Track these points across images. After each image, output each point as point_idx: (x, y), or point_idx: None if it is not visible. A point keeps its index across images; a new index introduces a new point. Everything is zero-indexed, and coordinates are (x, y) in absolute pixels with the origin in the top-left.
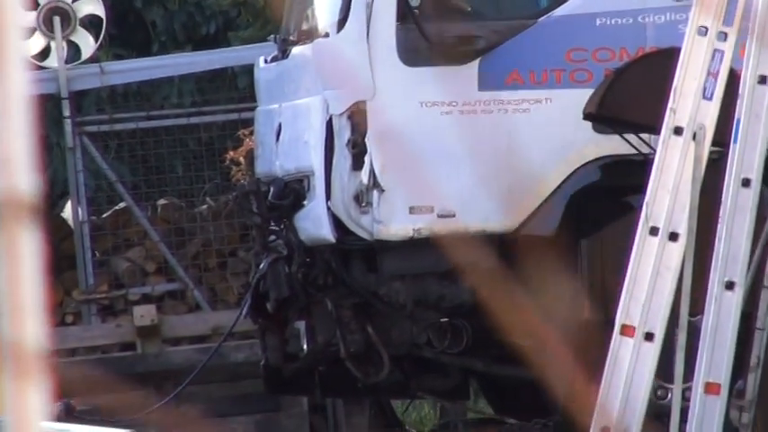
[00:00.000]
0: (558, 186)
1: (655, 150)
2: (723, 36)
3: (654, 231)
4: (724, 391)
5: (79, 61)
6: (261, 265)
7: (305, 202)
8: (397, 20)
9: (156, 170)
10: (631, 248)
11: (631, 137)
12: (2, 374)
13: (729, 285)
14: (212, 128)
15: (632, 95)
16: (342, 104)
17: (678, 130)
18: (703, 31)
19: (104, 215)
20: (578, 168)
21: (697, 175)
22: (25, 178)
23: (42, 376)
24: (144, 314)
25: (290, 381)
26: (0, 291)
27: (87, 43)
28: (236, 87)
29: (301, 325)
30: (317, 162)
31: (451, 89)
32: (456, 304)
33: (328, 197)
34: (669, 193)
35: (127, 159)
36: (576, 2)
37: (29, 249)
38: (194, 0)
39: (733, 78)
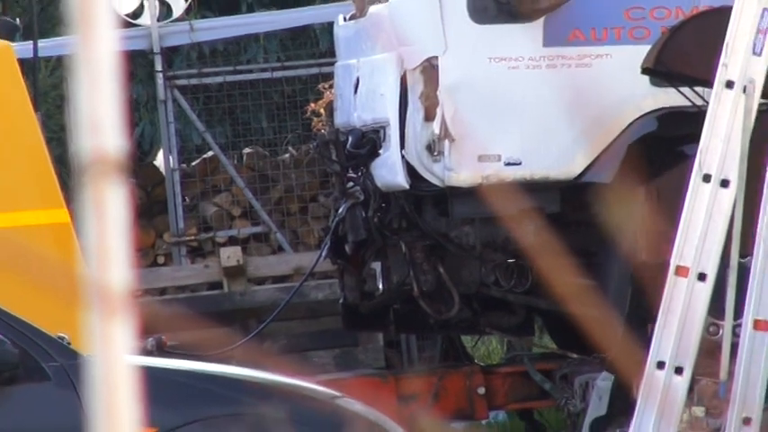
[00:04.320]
0: (618, 136)
1: (708, 103)
2: None
3: (707, 178)
4: None
5: (170, 19)
6: (339, 210)
7: (381, 151)
8: None
9: (242, 121)
10: (686, 194)
11: (686, 90)
12: (90, 315)
13: None
14: (295, 82)
15: (687, 51)
16: (415, 60)
17: (729, 84)
18: None
19: (193, 163)
20: (636, 119)
21: (747, 125)
22: (112, 139)
23: (127, 316)
24: (230, 255)
25: (367, 317)
26: (89, 242)
27: (178, 3)
28: (318, 44)
29: (377, 265)
30: (392, 113)
31: (518, 45)
32: (521, 246)
33: (402, 146)
34: (721, 143)
35: (215, 111)
36: None
37: (115, 204)
38: None
39: None
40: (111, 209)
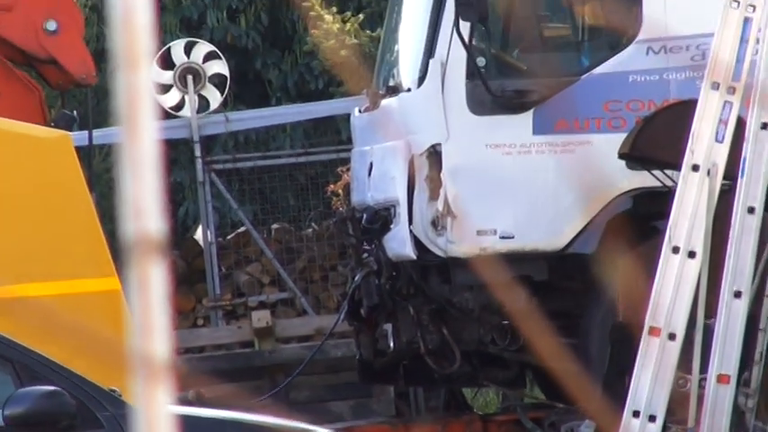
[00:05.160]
0: (599, 213)
1: (676, 183)
2: (732, 90)
3: (676, 250)
4: (733, 381)
5: (208, 111)
6: (356, 278)
7: (391, 226)
8: (467, 77)
9: (271, 200)
10: (657, 264)
11: (658, 172)
12: (134, 380)
13: (737, 294)
14: (317, 165)
15: (658, 138)
16: (421, 146)
17: (695, 167)
18: (716, 86)
19: (228, 237)
20: (614, 198)
21: (711, 204)
22: (154, 222)
23: (168, 383)
24: (260, 318)
25: (380, 372)
26: (134, 314)
27: (215, 97)
28: (338, 132)
29: (389, 327)
30: (401, 194)
31: (511, 134)
32: (514, 309)
33: (410, 222)
34: (688, 219)
35: (247, 192)
36: (613, 62)
37: (157, 281)
38: (304, 61)
39: (740, 125)
40: (153, 285)
